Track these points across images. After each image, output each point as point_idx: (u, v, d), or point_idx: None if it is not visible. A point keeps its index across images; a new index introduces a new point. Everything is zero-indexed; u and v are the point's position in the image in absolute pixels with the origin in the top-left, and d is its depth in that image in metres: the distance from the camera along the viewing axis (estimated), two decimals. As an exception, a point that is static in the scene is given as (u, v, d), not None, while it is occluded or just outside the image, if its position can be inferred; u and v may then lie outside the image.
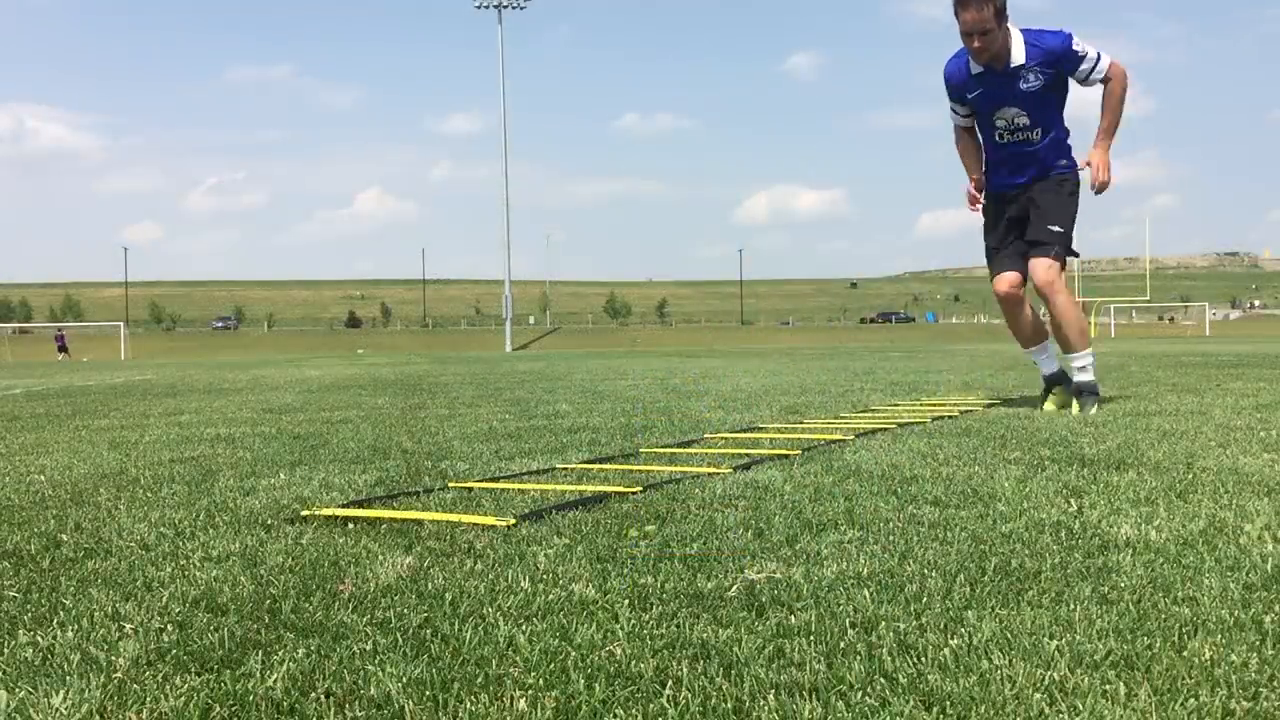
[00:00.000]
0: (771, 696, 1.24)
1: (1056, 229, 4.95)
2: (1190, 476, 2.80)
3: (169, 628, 1.58)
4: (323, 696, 1.27)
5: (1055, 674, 1.28)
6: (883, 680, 1.29)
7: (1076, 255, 5.16)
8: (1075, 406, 5.00)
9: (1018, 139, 4.98)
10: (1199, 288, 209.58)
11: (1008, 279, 5.13)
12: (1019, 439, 3.83)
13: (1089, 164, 4.95)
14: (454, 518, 2.39)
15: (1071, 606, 1.57)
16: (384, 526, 2.34)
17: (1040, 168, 5.00)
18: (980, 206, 5.19)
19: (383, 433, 4.84)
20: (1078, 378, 5.12)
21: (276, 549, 2.13)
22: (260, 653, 1.45)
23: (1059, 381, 5.32)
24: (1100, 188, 4.94)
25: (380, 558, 2.01)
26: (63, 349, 58.76)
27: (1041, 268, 4.95)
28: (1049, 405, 5.26)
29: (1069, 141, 5.08)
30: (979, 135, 5.18)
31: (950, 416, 4.88)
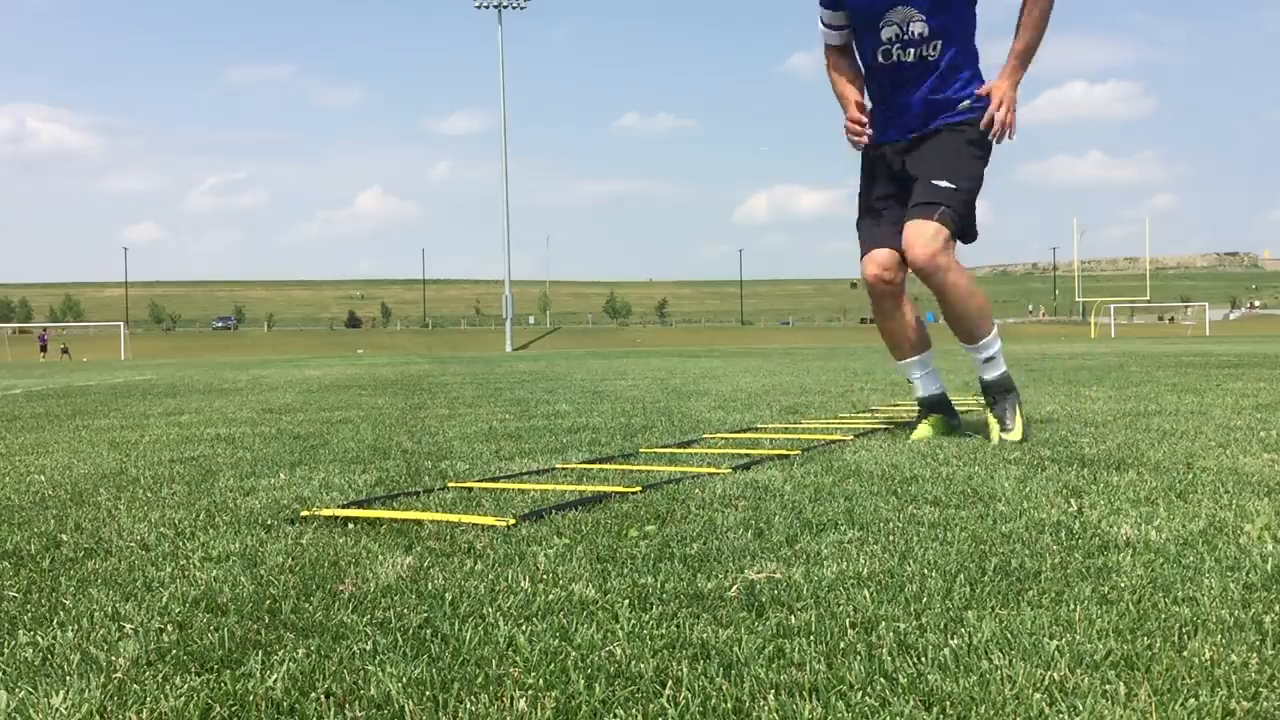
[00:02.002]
0: (771, 696, 1.24)
1: (945, 184, 3.62)
2: (1190, 476, 2.80)
3: (169, 628, 1.58)
4: (323, 696, 1.27)
5: (1055, 674, 1.28)
6: (883, 680, 1.29)
7: (974, 237, 3.74)
8: (994, 429, 3.76)
9: (910, 57, 3.72)
10: (1199, 288, 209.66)
11: (880, 258, 3.82)
12: (1019, 439, 3.83)
13: (988, 96, 3.75)
14: (454, 518, 2.39)
15: (1071, 606, 1.57)
16: (384, 526, 2.34)
17: (935, 105, 3.76)
18: (867, 139, 3.87)
19: (383, 433, 4.84)
20: (987, 374, 3.84)
21: (276, 549, 2.13)
22: (260, 653, 1.44)
23: (939, 408, 4.05)
24: (1000, 132, 3.70)
25: (380, 558, 2.01)
26: (44, 348, 58.69)
27: (922, 237, 3.57)
28: (920, 433, 3.97)
29: (978, 73, 3.82)
30: (858, 60, 3.97)
31: (950, 416, 4.87)
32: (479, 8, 60.58)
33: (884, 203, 3.89)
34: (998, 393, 3.85)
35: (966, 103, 3.75)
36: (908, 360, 4.06)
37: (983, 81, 3.81)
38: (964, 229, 3.69)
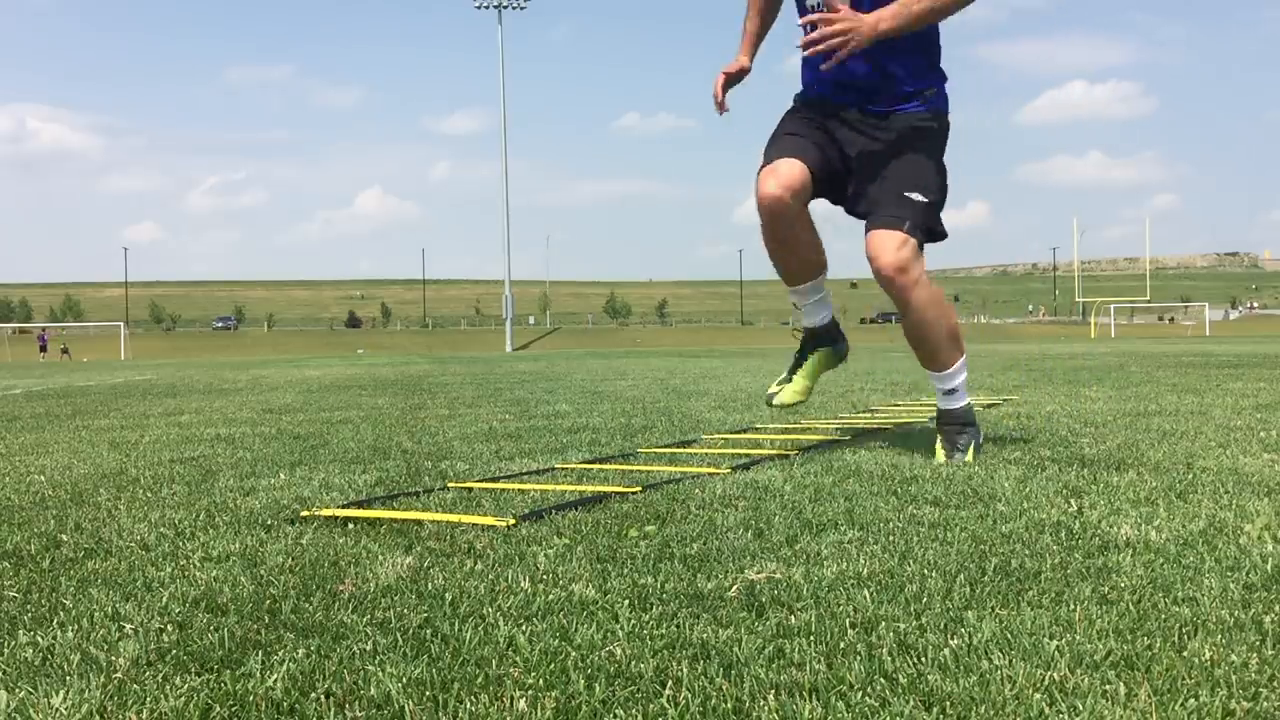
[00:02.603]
0: (771, 696, 1.24)
1: (917, 198, 3.22)
2: (1190, 476, 2.80)
3: (169, 628, 1.58)
4: (323, 696, 1.27)
5: (1055, 674, 1.28)
6: (883, 680, 1.29)
7: (942, 237, 3.33)
8: (939, 451, 3.31)
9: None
10: (1199, 288, 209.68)
11: (781, 172, 3.22)
12: (1019, 439, 3.83)
13: (942, 90, 3.34)
14: (454, 518, 2.39)
15: (1071, 606, 1.57)
16: (384, 526, 2.34)
17: (889, 77, 3.23)
18: (727, 109, 3.50)
19: (383, 433, 4.84)
20: (947, 404, 3.40)
21: (276, 549, 2.13)
22: (260, 653, 1.45)
23: (826, 339, 3.65)
24: (820, 42, 3.04)
25: (380, 558, 2.01)
26: (44, 348, 58.71)
27: (888, 245, 3.17)
28: (796, 384, 3.61)
29: (938, 47, 3.33)
30: None
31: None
32: (479, 8, 60.61)
33: (812, 126, 3.33)
34: (955, 425, 3.36)
35: (934, 89, 3.33)
36: (801, 286, 3.54)
37: (939, 46, 3.34)
38: (931, 232, 3.32)
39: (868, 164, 3.30)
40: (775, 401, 3.66)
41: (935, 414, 3.54)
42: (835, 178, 3.35)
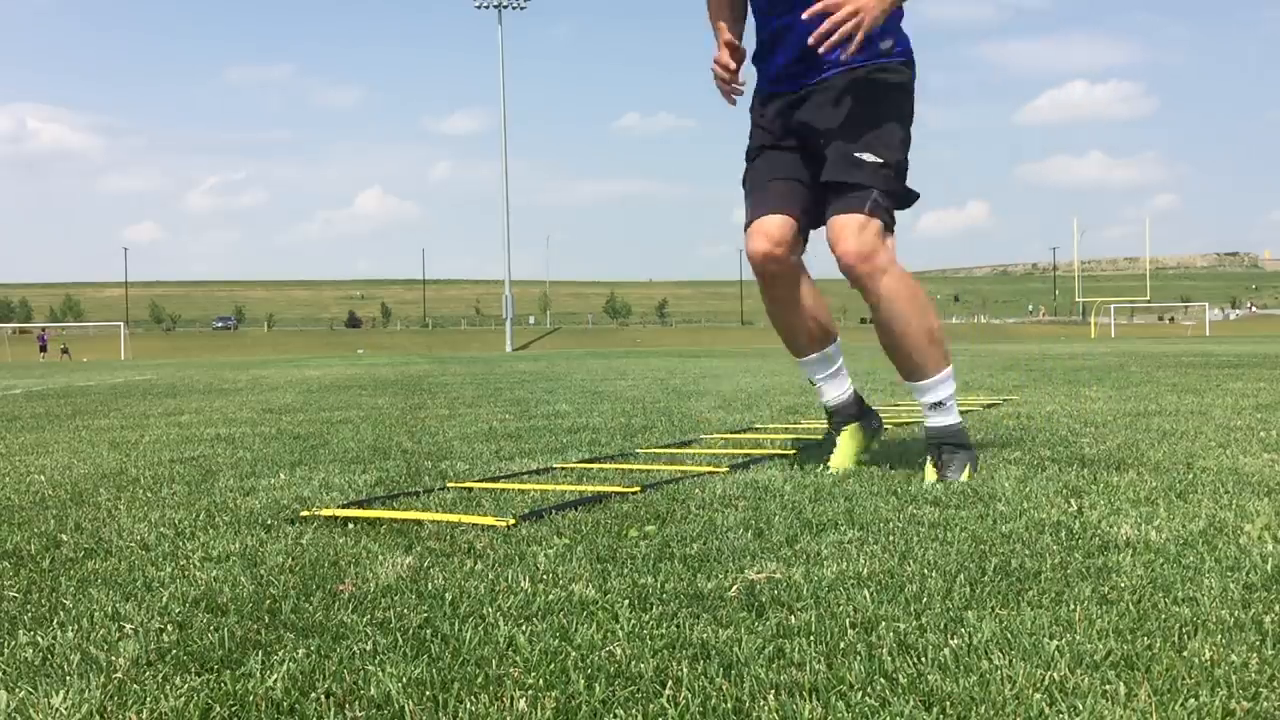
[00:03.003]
0: (771, 696, 1.24)
1: (869, 158, 2.84)
2: (1190, 476, 2.80)
3: (169, 628, 1.58)
4: (323, 696, 1.27)
5: (1055, 674, 1.28)
6: (883, 680, 1.29)
7: (914, 198, 2.97)
8: (929, 470, 2.90)
9: None
10: (1199, 288, 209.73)
11: (770, 229, 2.98)
12: (1019, 439, 3.83)
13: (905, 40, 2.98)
14: (454, 518, 2.39)
15: (1071, 606, 1.57)
16: (384, 527, 2.34)
17: (813, 25, 2.80)
18: (738, 84, 3.07)
19: (383, 433, 4.84)
20: (934, 420, 2.96)
21: (276, 549, 2.13)
22: (260, 653, 1.44)
23: (852, 416, 3.20)
24: (824, 41, 2.73)
25: (380, 558, 2.01)
26: (44, 348, 58.75)
27: (849, 233, 2.81)
28: (839, 459, 3.11)
29: (900, 10, 2.91)
30: None
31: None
32: (479, 7, 60.61)
33: (782, 163, 3.04)
34: (945, 445, 2.93)
35: (889, 43, 2.92)
36: (810, 357, 3.20)
37: (901, 28, 2.99)
38: (897, 199, 2.92)
39: (817, 124, 2.94)
40: (829, 464, 3.11)
41: (876, 420, 3.20)
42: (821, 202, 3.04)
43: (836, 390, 3.22)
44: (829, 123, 2.91)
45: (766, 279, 3.06)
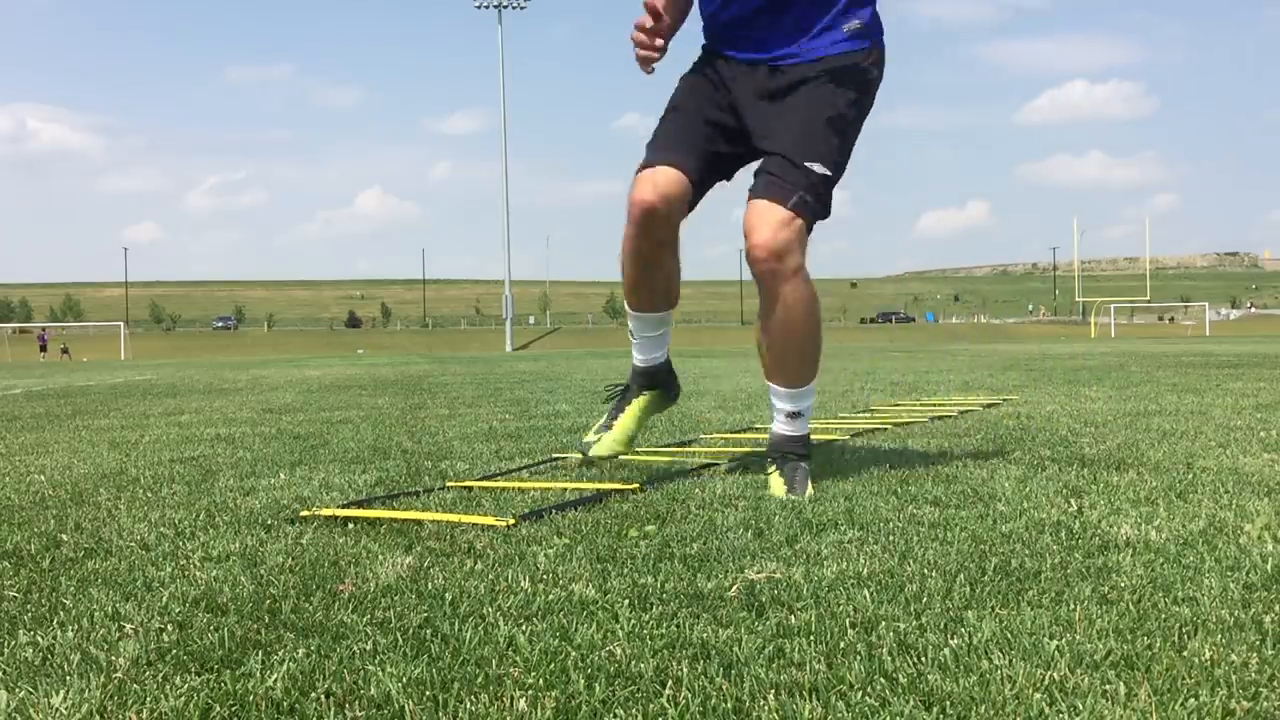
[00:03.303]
0: (771, 696, 1.24)
1: (817, 169, 2.66)
2: (1190, 476, 2.80)
3: (169, 628, 1.58)
4: (323, 696, 1.27)
5: (1055, 674, 1.28)
6: (883, 680, 1.29)
7: (827, 214, 2.75)
8: (776, 481, 2.72)
9: None
10: (1199, 288, 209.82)
11: (661, 182, 2.78)
12: (1019, 439, 3.83)
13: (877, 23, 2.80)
14: (454, 518, 2.39)
15: (1071, 606, 1.57)
16: (384, 526, 2.34)
17: (802, 11, 2.69)
18: (658, 47, 2.83)
19: (383, 433, 4.84)
20: (787, 428, 2.85)
21: (276, 549, 2.13)
22: (260, 653, 1.45)
23: (656, 382, 3.24)
24: None
25: (380, 558, 2.01)
26: (44, 348, 58.79)
27: (768, 221, 2.63)
28: (625, 420, 3.18)
29: None
30: None
31: (950, 416, 4.88)
32: (479, 8, 60.60)
33: (698, 119, 2.85)
34: (789, 454, 2.80)
35: (855, 23, 2.72)
36: (646, 314, 3.12)
37: (875, 11, 2.79)
38: (824, 209, 2.74)
39: (768, 124, 2.76)
40: (591, 453, 3.16)
41: (768, 439, 2.93)
42: (729, 167, 2.94)
43: (654, 351, 3.21)
44: (785, 121, 2.72)
45: (639, 228, 2.87)
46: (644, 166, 2.85)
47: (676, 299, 3.14)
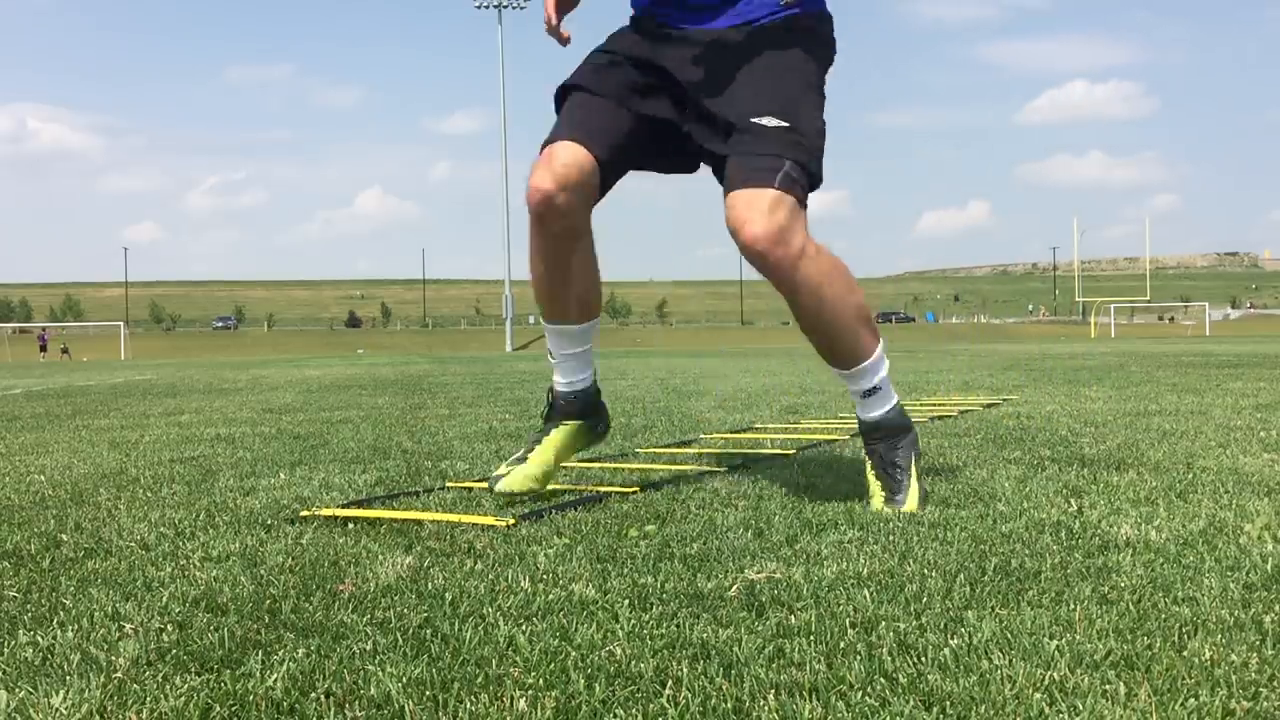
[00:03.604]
0: (771, 696, 1.24)
1: (775, 123, 2.35)
2: (1190, 476, 2.80)
3: (169, 628, 1.58)
4: (323, 696, 1.27)
5: (1055, 674, 1.28)
6: (883, 680, 1.29)
7: (819, 182, 2.42)
8: (875, 493, 2.47)
9: None
10: (1199, 288, 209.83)
11: (558, 165, 2.44)
12: (1019, 439, 3.83)
13: None
14: (454, 518, 2.39)
15: (1071, 606, 1.57)
16: (384, 526, 2.34)
17: None
18: (561, 35, 2.59)
19: (383, 433, 4.84)
20: (869, 411, 2.56)
21: (276, 549, 2.13)
22: (260, 653, 1.44)
23: (581, 409, 2.78)
24: None
25: (380, 558, 2.01)
26: (44, 348, 58.81)
27: (756, 211, 2.30)
28: (537, 458, 2.65)
29: None
30: None
31: (950, 416, 4.87)
32: (479, 8, 60.60)
33: (618, 78, 2.52)
34: (884, 439, 2.52)
35: None
36: (566, 327, 2.70)
37: None
38: (810, 175, 2.39)
39: (713, 91, 2.43)
40: (499, 487, 2.60)
41: (857, 430, 2.65)
42: (658, 141, 2.56)
43: (576, 374, 2.77)
44: (730, 81, 2.42)
45: (536, 222, 2.53)
46: (545, 144, 2.50)
47: (597, 309, 2.75)
